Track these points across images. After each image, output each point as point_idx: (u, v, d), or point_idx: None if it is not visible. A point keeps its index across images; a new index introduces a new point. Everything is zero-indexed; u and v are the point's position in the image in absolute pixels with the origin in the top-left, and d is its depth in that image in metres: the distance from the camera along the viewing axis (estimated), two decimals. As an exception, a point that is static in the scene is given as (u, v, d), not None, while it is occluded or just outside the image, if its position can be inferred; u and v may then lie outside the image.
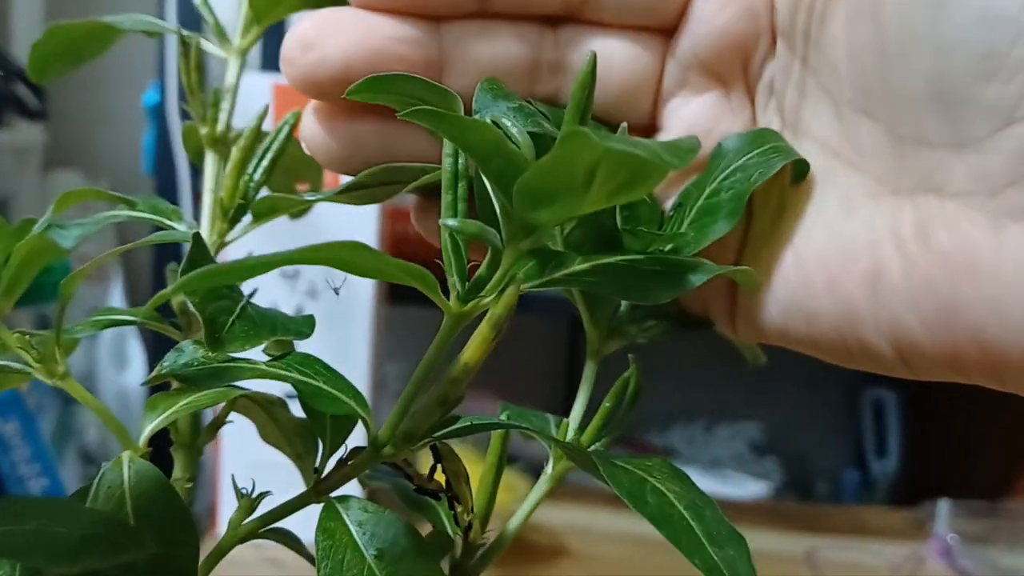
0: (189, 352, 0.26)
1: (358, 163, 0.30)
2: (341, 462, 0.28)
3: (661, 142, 0.21)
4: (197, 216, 0.35)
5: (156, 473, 0.26)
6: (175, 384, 0.31)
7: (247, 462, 0.77)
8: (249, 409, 0.34)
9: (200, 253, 0.27)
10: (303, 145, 0.30)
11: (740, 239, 0.31)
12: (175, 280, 0.35)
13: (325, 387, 0.25)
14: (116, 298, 1.18)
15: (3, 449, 0.89)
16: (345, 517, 0.25)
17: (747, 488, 1.31)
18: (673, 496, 0.25)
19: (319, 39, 0.28)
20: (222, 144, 0.36)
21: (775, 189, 0.30)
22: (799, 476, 1.48)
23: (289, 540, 0.29)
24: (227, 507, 0.82)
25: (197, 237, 0.29)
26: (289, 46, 0.29)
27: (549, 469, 0.31)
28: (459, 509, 0.29)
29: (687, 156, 0.20)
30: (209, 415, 0.33)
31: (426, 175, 0.29)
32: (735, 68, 0.31)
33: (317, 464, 0.28)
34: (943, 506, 0.94)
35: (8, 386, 0.30)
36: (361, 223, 0.84)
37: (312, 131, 0.30)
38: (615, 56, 0.31)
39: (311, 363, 0.26)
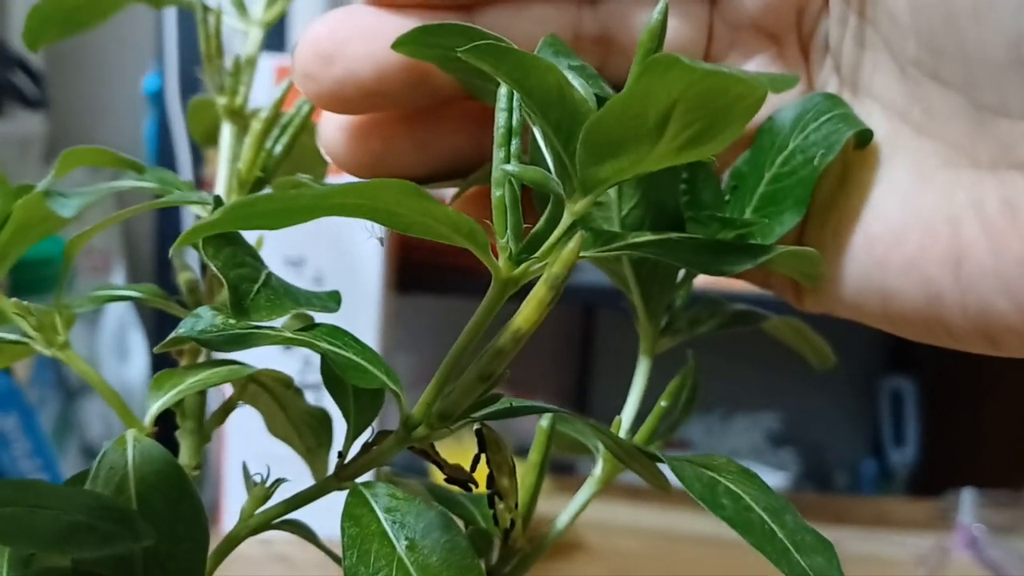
0: (207, 318, 0.23)
1: (386, 173, 0.27)
2: (366, 446, 0.25)
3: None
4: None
5: (163, 454, 0.23)
6: (183, 362, 0.29)
7: (253, 454, 0.75)
8: (257, 397, 0.31)
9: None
10: (323, 153, 0.28)
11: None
12: (180, 263, 0.33)
13: (355, 358, 0.23)
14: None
15: (3, 444, 0.87)
16: (373, 503, 0.23)
17: (766, 479, 1.28)
18: (749, 499, 0.23)
19: (340, 48, 0.25)
20: (239, 116, 0.34)
21: (837, 156, 0.27)
22: (817, 467, 1.46)
23: (305, 532, 0.27)
24: (232, 503, 0.80)
25: (218, 199, 0.27)
26: (305, 58, 0.25)
27: (598, 471, 0.29)
28: (500, 507, 0.26)
29: (785, 84, 0.17)
30: (215, 402, 0.30)
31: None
32: (788, 24, 0.28)
33: (341, 448, 0.25)
34: (967, 496, 0.92)
35: (5, 361, 0.27)
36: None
37: (337, 145, 0.27)
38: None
39: (339, 334, 0.24)
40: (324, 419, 0.31)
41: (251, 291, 0.23)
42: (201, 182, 0.99)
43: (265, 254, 0.27)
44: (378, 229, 0.23)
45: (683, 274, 0.30)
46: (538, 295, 0.20)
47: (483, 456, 0.26)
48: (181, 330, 0.23)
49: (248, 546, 0.26)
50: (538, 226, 0.22)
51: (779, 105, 0.28)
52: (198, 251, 0.30)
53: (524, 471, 0.28)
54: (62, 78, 1.30)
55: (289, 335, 0.22)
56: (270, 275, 0.25)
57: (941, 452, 1.43)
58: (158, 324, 1.04)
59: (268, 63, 0.77)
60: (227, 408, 0.29)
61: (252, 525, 0.25)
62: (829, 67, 0.28)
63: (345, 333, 0.24)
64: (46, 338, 0.24)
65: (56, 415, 1.02)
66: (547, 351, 1.46)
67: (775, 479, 1.30)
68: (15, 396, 0.89)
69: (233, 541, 0.25)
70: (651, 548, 0.86)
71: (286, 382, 0.30)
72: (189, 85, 0.98)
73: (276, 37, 0.93)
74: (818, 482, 1.45)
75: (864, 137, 0.26)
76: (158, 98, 1.04)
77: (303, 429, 0.31)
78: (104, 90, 1.35)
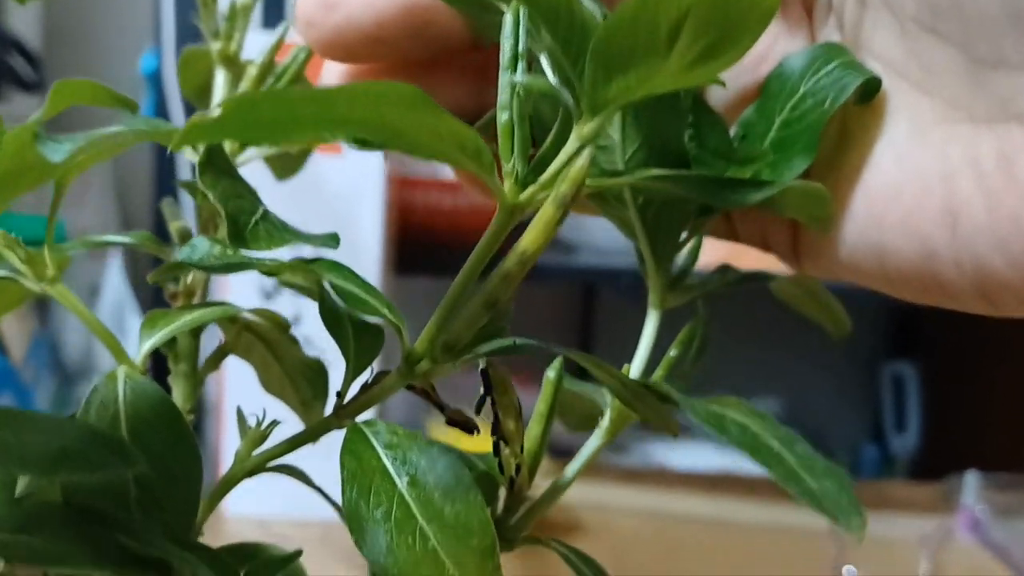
0: (204, 247, 0.22)
1: None
2: (366, 386, 0.24)
3: None
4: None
5: (157, 391, 0.22)
6: (175, 305, 0.28)
7: (256, 405, 0.74)
8: (251, 348, 0.31)
9: (219, 150, 0.24)
10: None
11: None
12: (173, 215, 0.32)
13: (358, 290, 0.22)
14: (114, 273, 1.15)
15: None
16: (373, 440, 0.22)
17: (765, 463, 1.28)
18: (758, 429, 0.22)
19: None
20: (233, 63, 0.33)
21: (838, 114, 0.26)
22: (817, 451, 1.46)
23: (301, 476, 0.26)
24: (231, 453, 0.78)
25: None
26: (307, 5, 0.25)
27: (606, 422, 0.28)
28: (505, 452, 0.25)
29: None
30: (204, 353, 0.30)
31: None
32: None
33: (339, 388, 0.24)
34: (971, 478, 0.91)
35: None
36: (368, 190, 0.81)
37: None
38: None
39: (340, 267, 0.23)
40: (320, 370, 0.30)
41: (249, 222, 0.23)
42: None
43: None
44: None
45: (691, 227, 0.29)
46: (545, 215, 0.20)
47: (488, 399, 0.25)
48: (179, 256, 0.22)
49: (246, 528, 0.25)
50: (544, 148, 0.21)
51: (786, 56, 0.27)
52: (193, 195, 0.29)
53: (531, 422, 0.27)
54: (59, 60, 1.30)
55: (288, 262, 0.22)
56: (267, 211, 0.24)
57: (942, 438, 1.42)
58: (155, 306, 1.04)
59: (266, 40, 0.76)
60: (222, 352, 0.28)
61: (248, 467, 0.24)
62: (832, 26, 0.27)
63: (346, 268, 0.24)
64: (36, 273, 0.23)
65: (52, 396, 1.01)
66: (546, 334, 1.45)
67: (775, 463, 1.30)
68: (10, 376, 0.88)
69: (229, 482, 0.24)
70: (649, 529, 0.86)
71: (283, 326, 0.29)
72: (186, 64, 0.97)
73: (274, 15, 0.92)
74: (818, 467, 1.45)
75: (872, 86, 0.25)
76: (155, 78, 1.03)
77: (299, 381, 0.31)
78: (101, 72, 1.34)
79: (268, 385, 0.31)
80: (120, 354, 0.23)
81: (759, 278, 0.33)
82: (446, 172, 1.05)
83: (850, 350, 1.35)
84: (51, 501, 0.21)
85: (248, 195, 0.24)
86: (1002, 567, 0.82)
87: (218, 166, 0.24)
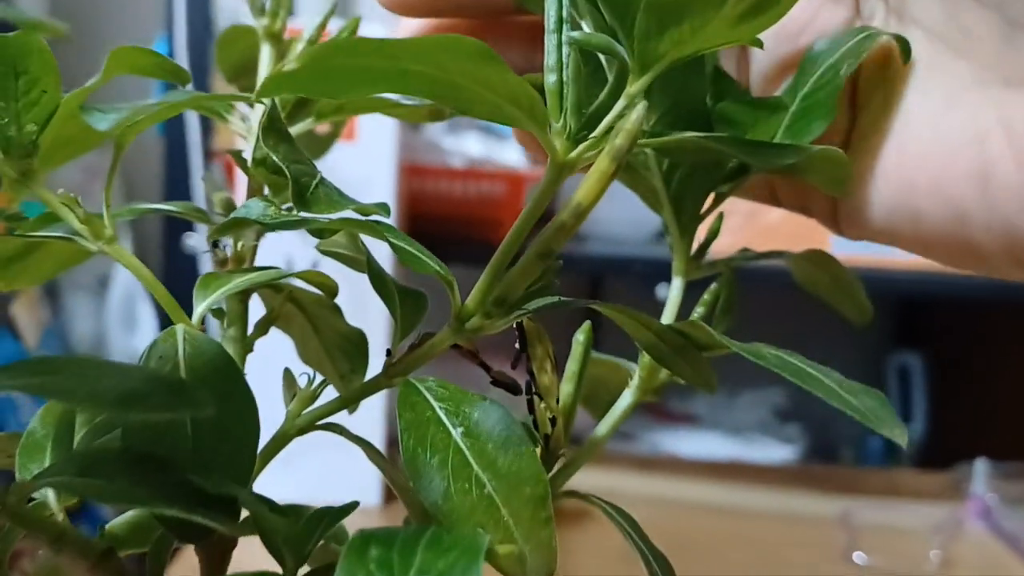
0: (258, 208, 0.23)
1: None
2: (413, 346, 0.25)
3: None
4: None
5: (216, 346, 0.23)
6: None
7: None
8: (291, 320, 0.31)
9: (274, 117, 0.25)
10: None
11: (844, 137, 0.28)
12: (214, 186, 0.33)
13: (412, 249, 0.23)
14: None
15: (11, 408, 0.87)
16: (426, 394, 0.23)
17: (773, 452, 1.28)
18: (796, 360, 0.23)
19: None
20: (278, 40, 0.33)
21: (881, 81, 0.27)
22: (823, 442, 1.46)
23: (349, 435, 0.26)
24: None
25: (273, 105, 0.27)
26: None
27: (635, 380, 0.29)
28: (540, 407, 0.26)
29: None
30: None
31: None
32: None
33: (389, 346, 0.25)
34: (980, 467, 0.92)
35: (54, 267, 0.27)
36: (379, 178, 0.81)
37: None
38: None
39: (392, 228, 0.24)
40: (360, 342, 0.31)
41: (311, 184, 0.23)
42: (210, 152, 0.98)
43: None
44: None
45: (714, 196, 0.30)
46: (600, 167, 0.20)
47: (524, 355, 0.25)
48: (239, 214, 0.22)
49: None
50: (594, 106, 0.21)
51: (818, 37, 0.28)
52: (242, 166, 0.29)
53: (563, 382, 0.27)
54: (70, 48, 1.30)
55: (347, 219, 0.22)
56: (324, 177, 0.25)
57: (948, 429, 1.42)
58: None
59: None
60: (270, 319, 0.28)
61: (299, 424, 0.25)
62: None
63: (396, 229, 0.24)
64: (93, 231, 0.24)
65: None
66: (555, 321, 1.45)
67: (783, 452, 1.30)
68: (24, 359, 0.88)
69: (282, 439, 0.25)
70: (661, 516, 0.86)
71: (321, 302, 0.29)
72: (198, 52, 0.97)
73: None
74: (824, 458, 1.45)
75: (904, 47, 0.26)
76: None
77: (336, 354, 0.31)
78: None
79: (306, 358, 0.31)
80: (177, 312, 0.24)
81: (779, 255, 0.34)
82: (456, 161, 1.05)
83: (856, 340, 1.35)
84: (111, 448, 0.22)
85: (306, 160, 0.24)
86: (1013, 555, 0.83)
87: (278, 130, 0.24)
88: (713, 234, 0.30)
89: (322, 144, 0.40)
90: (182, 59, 0.99)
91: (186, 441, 0.21)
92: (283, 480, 0.33)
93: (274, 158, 0.23)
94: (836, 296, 0.35)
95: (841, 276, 0.34)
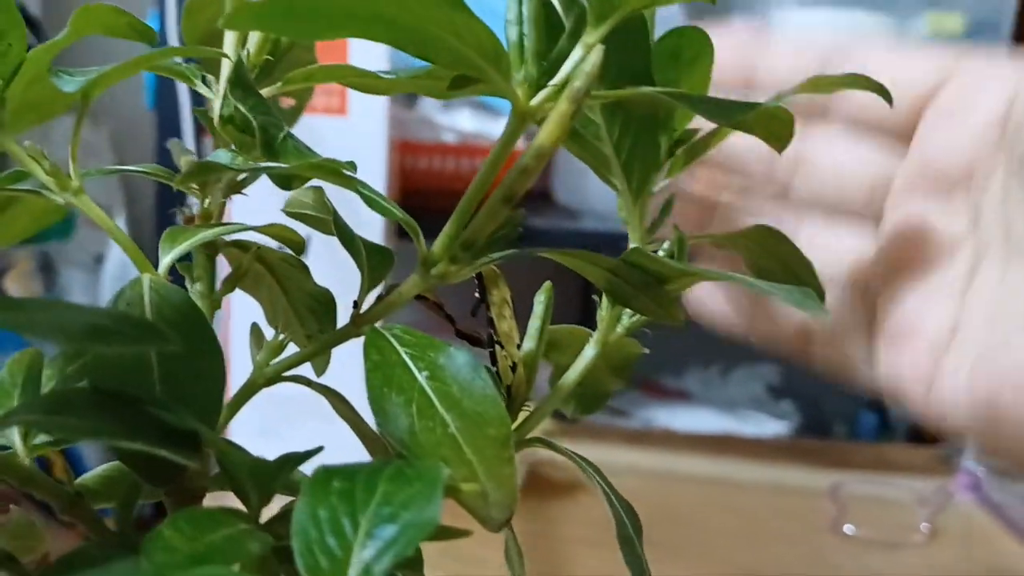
0: (226, 157, 0.23)
1: None
2: (381, 297, 0.25)
3: None
4: (201, 150, 0.33)
5: (182, 295, 0.23)
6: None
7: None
8: (259, 281, 0.31)
9: (242, 72, 0.25)
10: None
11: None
12: (181, 151, 0.33)
13: (376, 196, 0.23)
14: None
15: None
16: (392, 340, 0.23)
17: (766, 427, 1.29)
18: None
19: None
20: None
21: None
22: (816, 418, 1.46)
23: (316, 385, 0.26)
24: (238, 377, 0.78)
25: (239, 61, 0.27)
26: None
27: (596, 333, 0.28)
28: (502, 355, 0.26)
29: None
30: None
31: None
32: (959, 180, 0.32)
33: (356, 298, 0.25)
34: (971, 440, 0.92)
35: (25, 226, 0.27)
36: (370, 154, 0.81)
37: None
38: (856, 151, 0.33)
39: (356, 180, 0.24)
40: (328, 302, 0.31)
41: (278, 136, 0.23)
42: (202, 126, 0.98)
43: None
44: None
45: (667, 168, 0.30)
46: (561, 110, 0.20)
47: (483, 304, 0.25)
48: (207, 160, 0.22)
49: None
50: (552, 56, 0.21)
51: None
52: (208, 125, 0.29)
53: (526, 339, 0.27)
54: (59, 25, 1.29)
55: (313, 162, 0.22)
56: (291, 132, 0.25)
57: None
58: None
59: None
60: (238, 275, 0.29)
61: (267, 375, 0.25)
62: (998, 224, 0.31)
63: (360, 180, 0.24)
64: (60, 184, 0.24)
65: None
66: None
67: (776, 427, 1.30)
68: (14, 337, 0.89)
69: (249, 389, 0.25)
70: (652, 488, 0.86)
71: (288, 261, 0.29)
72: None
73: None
74: (817, 433, 1.45)
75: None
76: (160, 46, 1.03)
77: (304, 314, 0.31)
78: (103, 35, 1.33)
79: (273, 321, 0.31)
80: (143, 263, 0.24)
81: (728, 238, 0.33)
82: (449, 137, 1.05)
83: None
84: (79, 389, 0.22)
85: (274, 114, 0.25)
86: (1002, 527, 0.83)
87: (246, 84, 0.24)
88: (668, 205, 0.30)
89: (288, 117, 0.40)
90: (173, 34, 0.99)
91: (153, 382, 0.21)
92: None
93: (242, 110, 0.23)
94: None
95: (792, 257, 0.33)
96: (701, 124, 0.28)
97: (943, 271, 0.32)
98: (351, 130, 0.78)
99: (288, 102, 0.38)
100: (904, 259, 0.33)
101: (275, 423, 0.80)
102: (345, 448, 0.24)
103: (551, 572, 0.60)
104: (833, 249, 0.34)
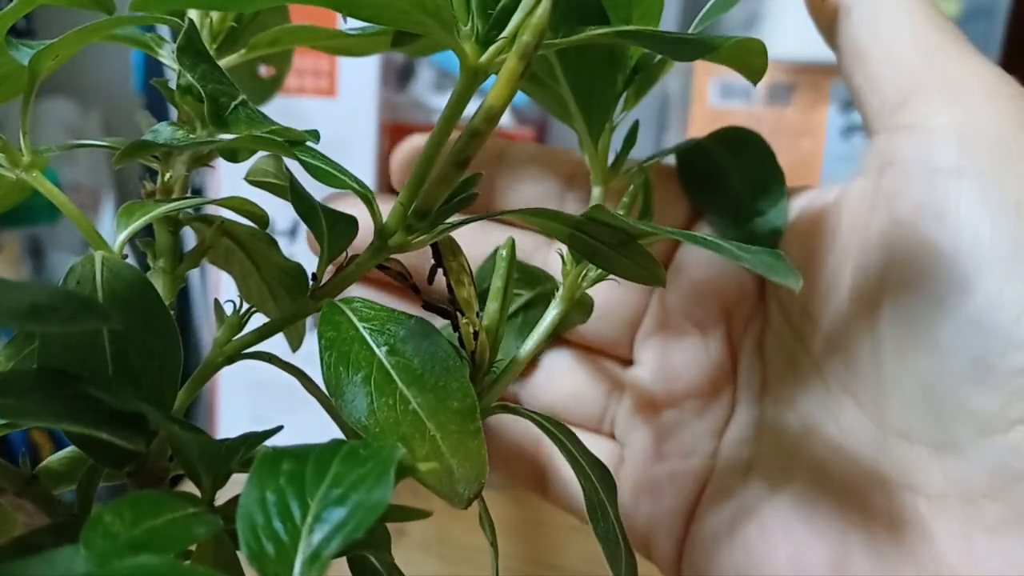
0: (167, 131, 0.22)
1: None
2: (339, 268, 0.24)
3: None
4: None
5: (135, 272, 0.22)
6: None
7: (249, 382, 0.74)
8: (230, 256, 0.30)
9: (192, 37, 0.24)
10: None
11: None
12: (148, 123, 0.32)
13: (326, 166, 0.22)
14: (107, 225, 1.15)
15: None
16: (349, 314, 0.22)
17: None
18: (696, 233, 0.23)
19: None
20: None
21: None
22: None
23: (278, 362, 0.26)
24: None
25: (191, 25, 0.26)
26: None
27: (560, 290, 0.28)
28: (463, 322, 0.25)
29: None
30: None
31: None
32: (715, 319, 0.31)
33: (315, 270, 0.24)
34: None
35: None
36: (360, 137, 0.80)
37: None
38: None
39: (310, 149, 0.23)
40: (300, 276, 0.30)
41: (229, 105, 0.22)
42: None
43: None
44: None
45: (623, 102, 0.29)
46: (509, 67, 0.19)
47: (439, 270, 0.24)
48: (146, 136, 0.22)
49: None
50: (499, 8, 0.20)
51: None
52: (168, 96, 0.29)
53: (488, 300, 0.26)
54: (48, 10, 1.28)
55: (259, 134, 0.21)
56: (247, 100, 0.24)
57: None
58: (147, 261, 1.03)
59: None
60: (201, 250, 0.28)
61: (227, 352, 0.24)
62: (756, 371, 0.31)
63: (314, 149, 0.23)
64: (11, 159, 0.23)
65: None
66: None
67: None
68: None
69: (208, 368, 0.24)
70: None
71: (256, 235, 0.29)
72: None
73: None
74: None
75: None
76: (148, 25, 1.02)
77: (277, 290, 0.30)
78: (91, 18, 1.32)
79: (247, 296, 0.31)
80: (96, 239, 0.23)
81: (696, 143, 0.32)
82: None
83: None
84: (22, 370, 0.21)
85: (227, 82, 0.24)
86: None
87: (196, 50, 0.23)
88: (630, 140, 0.29)
89: (266, 88, 0.39)
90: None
91: (105, 362, 0.21)
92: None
93: (191, 79, 0.22)
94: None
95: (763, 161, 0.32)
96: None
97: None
98: (341, 112, 0.77)
99: (269, 72, 0.37)
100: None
101: (267, 410, 0.79)
102: (338, 434, 0.24)
103: (542, 559, 0.60)
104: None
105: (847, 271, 0.27)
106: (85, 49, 0.27)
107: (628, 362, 0.34)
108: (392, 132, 0.99)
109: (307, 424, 0.28)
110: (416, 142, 0.33)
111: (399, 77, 1.02)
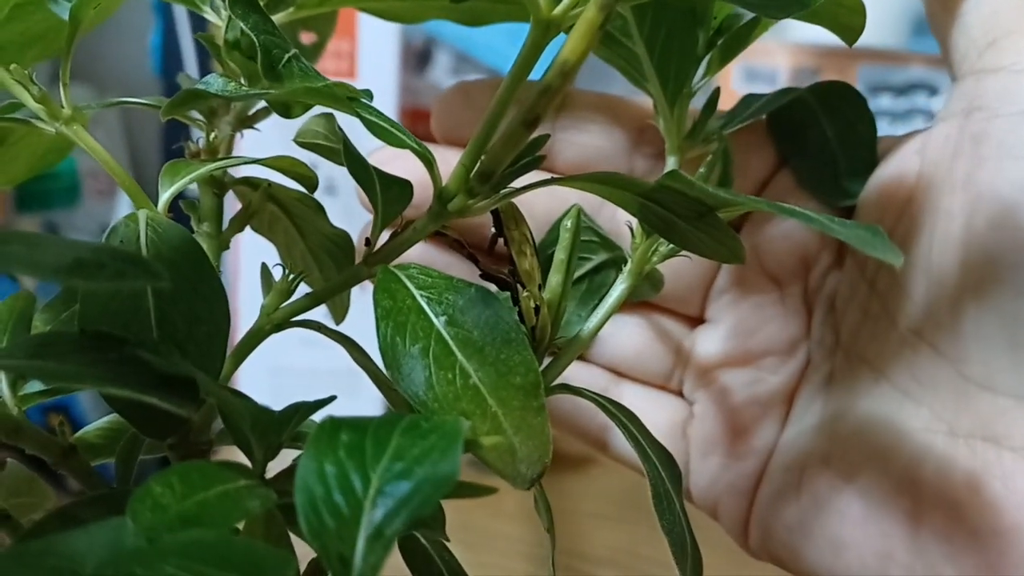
0: (218, 82, 0.21)
1: None
2: (396, 233, 0.23)
3: None
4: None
5: (182, 232, 0.21)
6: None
7: (268, 368, 0.73)
8: (275, 224, 0.29)
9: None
10: None
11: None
12: (187, 79, 0.31)
13: (385, 124, 0.21)
14: (124, 210, 1.14)
15: None
16: (406, 281, 0.21)
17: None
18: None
19: None
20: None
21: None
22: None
23: (326, 330, 0.25)
24: (246, 321, 0.77)
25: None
26: None
27: (627, 265, 0.26)
28: (524, 295, 0.24)
29: None
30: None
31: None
32: (793, 273, 0.30)
33: (368, 234, 0.23)
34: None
35: (27, 164, 0.26)
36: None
37: None
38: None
39: (367, 106, 0.21)
40: (347, 244, 0.29)
41: (282, 57, 0.21)
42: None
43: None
44: None
45: (705, 66, 0.28)
46: (587, 17, 0.18)
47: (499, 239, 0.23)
48: (199, 85, 0.20)
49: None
50: None
51: None
52: (214, 51, 0.27)
53: (551, 273, 0.25)
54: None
55: (312, 86, 0.20)
56: (299, 54, 0.23)
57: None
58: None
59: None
60: (247, 214, 0.27)
61: (275, 320, 0.23)
62: (829, 325, 0.29)
63: (372, 106, 0.22)
64: (50, 112, 0.22)
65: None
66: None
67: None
68: (10, 287, 0.87)
69: (256, 336, 0.23)
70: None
71: (303, 200, 0.27)
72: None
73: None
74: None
75: None
76: (164, 8, 1.01)
77: (322, 258, 0.29)
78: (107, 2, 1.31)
79: (291, 264, 0.30)
80: (140, 198, 0.22)
81: (791, 92, 0.30)
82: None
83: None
84: (65, 332, 0.20)
85: (280, 35, 0.23)
86: None
87: (248, 0, 0.22)
88: (710, 106, 0.28)
89: (307, 55, 0.38)
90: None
91: (149, 326, 0.20)
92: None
93: (245, 28, 0.21)
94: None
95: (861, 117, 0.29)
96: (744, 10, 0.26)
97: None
98: (361, 94, 0.76)
99: (309, 38, 0.36)
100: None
101: (288, 396, 0.78)
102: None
103: (567, 547, 0.59)
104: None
105: (929, 215, 0.26)
106: (102, 35, 0.26)
107: (699, 319, 0.32)
108: (412, 116, 0.98)
109: (338, 412, 0.27)
110: (464, 87, 0.31)
111: (418, 61, 1.01)
